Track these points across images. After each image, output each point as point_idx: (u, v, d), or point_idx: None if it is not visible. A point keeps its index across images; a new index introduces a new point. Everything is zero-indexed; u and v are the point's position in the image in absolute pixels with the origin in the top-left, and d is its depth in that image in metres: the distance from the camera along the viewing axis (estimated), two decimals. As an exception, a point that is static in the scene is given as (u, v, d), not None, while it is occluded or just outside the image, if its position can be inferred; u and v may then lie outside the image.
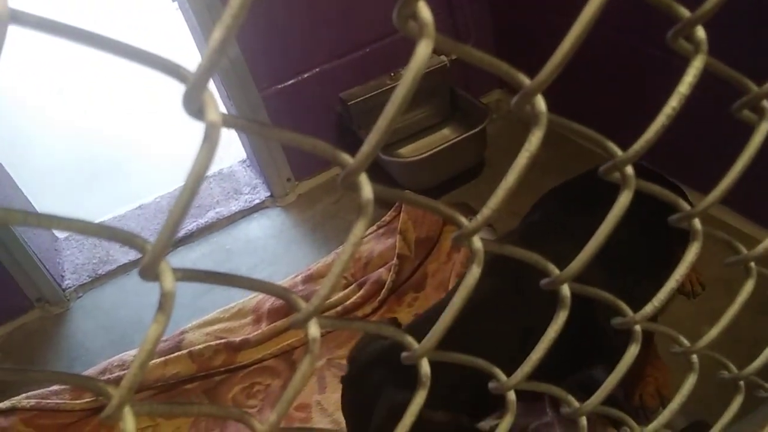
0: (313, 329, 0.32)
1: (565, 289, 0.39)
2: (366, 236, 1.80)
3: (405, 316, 1.58)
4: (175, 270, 0.30)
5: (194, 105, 0.27)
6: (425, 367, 0.37)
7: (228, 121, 0.28)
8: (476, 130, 2.05)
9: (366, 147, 0.29)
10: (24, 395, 1.55)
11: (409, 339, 0.37)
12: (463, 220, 0.35)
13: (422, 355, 0.37)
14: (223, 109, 1.87)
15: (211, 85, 0.27)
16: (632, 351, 0.43)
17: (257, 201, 2.34)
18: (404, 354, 0.37)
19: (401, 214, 1.79)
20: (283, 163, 2.29)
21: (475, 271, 0.35)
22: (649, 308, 0.41)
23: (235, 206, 2.34)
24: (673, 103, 0.33)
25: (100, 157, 2.96)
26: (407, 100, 0.28)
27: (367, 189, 0.30)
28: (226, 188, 2.45)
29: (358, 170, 0.30)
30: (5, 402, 1.53)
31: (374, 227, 1.83)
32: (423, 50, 0.28)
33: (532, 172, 0.33)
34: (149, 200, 2.50)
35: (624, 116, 1.59)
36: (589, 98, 2.07)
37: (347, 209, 2.20)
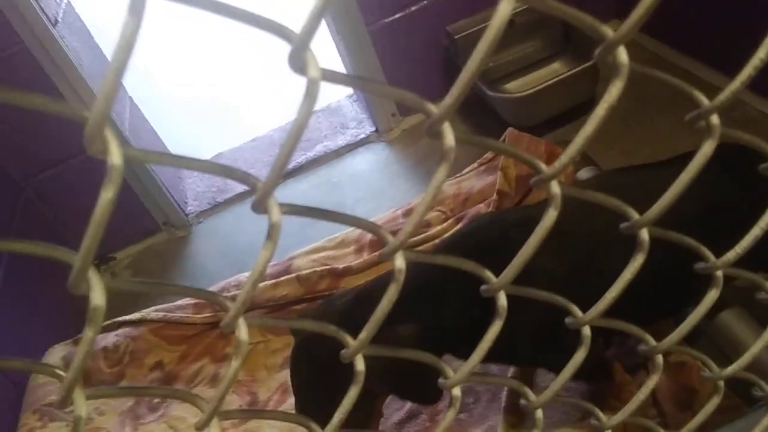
0: (399, 261, 0.36)
1: (644, 234, 0.40)
2: (467, 173, 1.81)
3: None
4: (281, 205, 0.35)
5: (298, 62, 0.30)
6: (503, 299, 0.41)
7: (327, 76, 0.32)
8: (588, 64, 1.97)
9: (449, 99, 0.32)
10: (152, 308, 1.73)
11: (488, 273, 0.40)
12: (542, 165, 0.37)
13: (500, 288, 0.40)
14: (329, 57, 1.90)
15: (320, 29, 0.30)
16: (712, 295, 0.43)
17: (363, 135, 2.40)
18: (483, 287, 0.40)
19: (504, 151, 1.78)
20: (389, 102, 2.32)
21: (551, 214, 0.37)
22: (731, 254, 0.42)
23: (341, 140, 2.41)
24: (761, 54, 0.32)
25: (218, 97, 3.12)
26: (489, 54, 0.31)
27: (449, 137, 0.33)
28: (334, 123, 2.52)
29: (442, 120, 0.33)
30: (135, 314, 1.72)
31: (476, 164, 1.83)
32: (505, 5, 0.30)
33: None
34: (263, 133, 2.63)
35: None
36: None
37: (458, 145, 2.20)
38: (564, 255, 0.99)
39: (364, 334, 0.39)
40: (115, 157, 0.30)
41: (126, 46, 0.27)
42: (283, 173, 0.32)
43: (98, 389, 0.40)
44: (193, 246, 2.30)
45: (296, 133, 0.31)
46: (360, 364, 0.42)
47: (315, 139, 2.46)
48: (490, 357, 0.43)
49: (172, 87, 3.28)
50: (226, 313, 0.38)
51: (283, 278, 1.68)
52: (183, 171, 2.57)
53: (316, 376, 1.00)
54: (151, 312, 1.72)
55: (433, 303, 1.00)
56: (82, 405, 0.38)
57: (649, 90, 1.97)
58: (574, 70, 1.98)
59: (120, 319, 1.72)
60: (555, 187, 0.36)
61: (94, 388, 0.42)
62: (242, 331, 0.38)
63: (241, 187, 2.38)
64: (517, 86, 2.26)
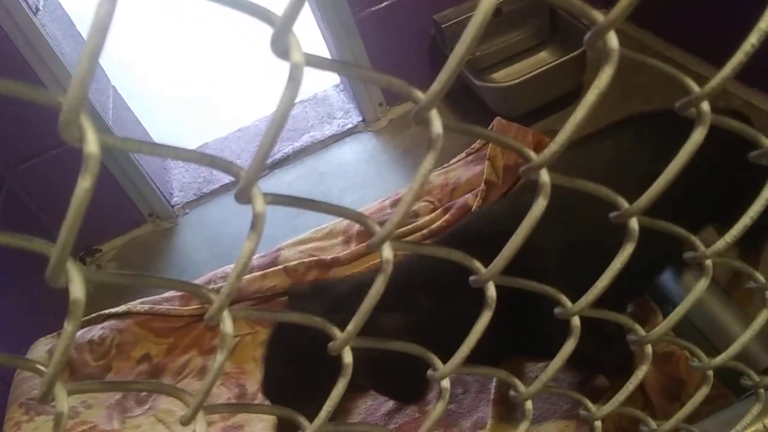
0: (387, 252, 0.36)
1: (634, 223, 0.40)
2: (454, 163, 1.81)
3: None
4: (265, 195, 0.34)
5: (281, 46, 0.29)
6: (491, 290, 0.40)
7: (311, 61, 0.31)
8: (575, 53, 1.97)
9: (436, 85, 0.31)
10: (138, 301, 1.71)
11: (477, 264, 0.39)
12: (531, 153, 0.36)
13: (488, 279, 0.39)
14: (315, 46, 1.88)
15: (304, 15, 0.30)
16: (701, 285, 0.43)
17: (349, 125, 2.39)
18: (472, 278, 0.40)
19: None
20: (375, 89, 2.31)
21: (541, 204, 0.36)
22: (720, 243, 0.41)
23: (328, 130, 2.40)
24: (752, 39, 0.32)
25: (202, 87, 3.08)
26: (476, 40, 0.30)
27: (437, 124, 0.32)
28: (320, 112, 2.50)
29: (429, 106, 0.32)
30: (121, 306, 1.70)
31: (463, 154, 1.83)
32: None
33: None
34: (248, 123, 2.60)
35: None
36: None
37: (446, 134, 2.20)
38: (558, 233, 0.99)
39: (351, 326, 0.39)
40: (92, 145, 0.29)
41: (100, 28, 0.26)
42: (267, 162, 0.31)
43: (80, 384, 0.39)
44: (180, 237, 2.28)
45: (280, 119, 0.30)
46: (348, 357, 0.41)
47: (301, 129, 2.45)
48: (481, 352, 0.43)
49: (155, 78, 3.24)
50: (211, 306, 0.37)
51: (270, 269, 1.67)
52: (168, 162, 2.55)
53: (294, 365, 0.98)
54: (137, 304, 1.71)
55: (423, 295, 1.00)
56: (63, 400, 0.37)
57: (636, 80, 1.97)
58: (561, 60, 1.98)
59: (106, 312, 1.70)
60: (545, 176, 0.36)
61: (76, 383, 0.41)
62: (227, 324, 0.37)
63: (227, 178, 2.36)
64: (504, 75, 2.25)
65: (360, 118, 2.39)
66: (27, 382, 1.59)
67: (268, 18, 0.29)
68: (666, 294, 1.29)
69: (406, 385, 0.98)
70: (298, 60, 0.29)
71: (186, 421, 0.40)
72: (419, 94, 0.33)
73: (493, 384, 1.28)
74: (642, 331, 0.47)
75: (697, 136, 0.35)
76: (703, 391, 0.50)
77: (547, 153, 0.35)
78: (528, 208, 0.36)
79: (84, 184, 0.29)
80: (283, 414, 0.45)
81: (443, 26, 2.14)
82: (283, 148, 2.37)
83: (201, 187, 2.37)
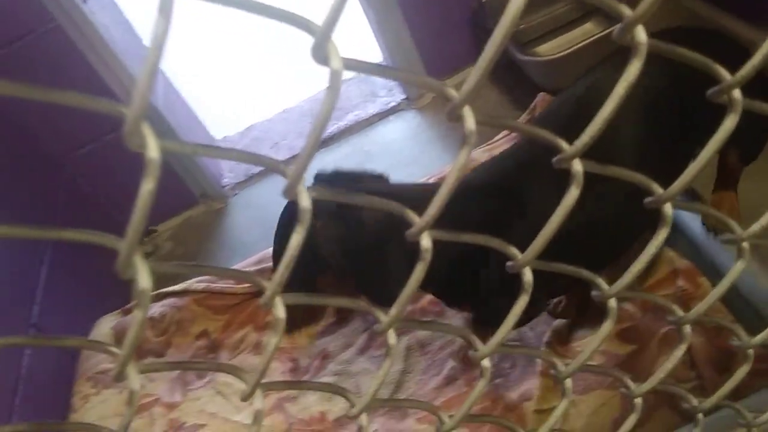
0: (425, 241, 0.38)
1: (577, 165, 0.39)
2: (498, 140, 1.80)
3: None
4: (309, 189, 0.36)
5: (321, 54, 0.32)
6: (528, 275, 0.42)
7: (349, 65, 0.33)
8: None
9: (469, 84, 0.33)
10: (195, 279, 1.78)
11: (513, 249, 0.41)
12: (564, 144, 0.38)
13: (524, 264, 0.41)
14: (357, 22, 1.88)
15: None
16: (738, 266, 0.44)
17: (393, 103, 2.40)
18: (508, 263, 0.41)
19: (536, 113, 1.76)
20: (418, 65, 2.31)
21: (573, 193, 0.38)
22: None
23: (372, 109, 2.42)
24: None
25: (248, 69, 3.13)
26: (508, 36, 0.31)
27: (470, 121, 0.34)
28: (364, 91, 2.52)
29: (462, 104, 0.33)
30: (179, 285, 1.78)
31: (505, 131, 1.82)
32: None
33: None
34: (293, 104, 2.64)
35: None
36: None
37: (483, 109, 2.19)
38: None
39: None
40: (153, 151, 0.32)
41: (158, 46, 0.28)
42: (308, 165, 0.33)
43: (150, 364, 0.42)
44: (230, 217, 2.35)
45: (322, 123, 0.32)
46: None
47: (345, 108, 2.47)
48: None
49: (202, 61, 3.31)
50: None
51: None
52: (217, 143, 2.61)
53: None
54: (194, 283, 1.78)
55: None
56: (135, 379, 0.41)
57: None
58: (607, 30, 1.94)
59: (165, 290, 1.78)
60: (577, 166, 0.37)
61: (147, 363, 0.44)
62: (279, 310, 0.40)
63: (275, 158, 2.41)
64: (549, 48, 2.21)
65: (403, 96, 2.40)
66: (94, 357, 1.68)
67: (309, 28, 0.32)
68: (719, 271, 1.27)
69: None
70: (337, 67, 0.31)
71: (245, 398, 0.44)
72: (452, 92, 0.35)
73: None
74: (680, 312, 0.48)
75: (729, 123, 0.36)
76: (744, 369, 0.51)
77: (579, 144, 0.36)
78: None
79: (147, 186, 0.32)
80: (333, 390, 0.48)
81: (484, 0, 2.11)
82: (328, 128, 2.40)
83: (250, 168, 2.43)
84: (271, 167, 0.36)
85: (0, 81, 0.30)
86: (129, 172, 2.17)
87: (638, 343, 1.26)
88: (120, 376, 0.39)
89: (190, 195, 2.37)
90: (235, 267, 1.86)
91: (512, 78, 2.16)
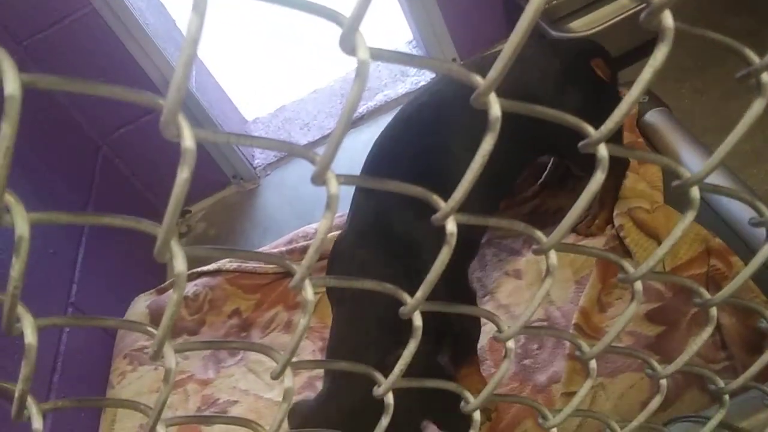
0: (450, 225, 0.39)
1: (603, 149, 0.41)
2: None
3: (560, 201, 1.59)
4: (338, 176, 0.37)
5: (348, 45, 0.32)
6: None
7: (376, 54, 0.33)
8: (657, -2, 1.87)
9: (493, 73, 0.33)
10: (227, 259, 1.82)
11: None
12: (590, 128, 0.38)
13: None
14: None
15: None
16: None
17: (423, 82, 2.38)
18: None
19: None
20: (447, 43, 2.29)
21: (599, 177, 0.38)
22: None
23: (402, 88, 2.41)
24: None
25: (278, 48, 3.14)
26: (522, 43, 0.32)
27: (495, 107, 0.34)
28: (393, 70, 2.51)
29: (487, 92, 0.34)
30: (212, 264, 1.82)
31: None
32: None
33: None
34: (324, 85, 2.65)
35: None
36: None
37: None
38: None
39: (420, 293, 0.42)
40: (188, 141, 0.33)
41: (192, 42, 0.30)
42: (337, 151, 0.34)
43: (185, 344, 0.44)
44: (262, 198, 2.38)
45: (350, 111, 0.33)
46: (418, 320, 0.45)
47: (375, 88, 2.47)
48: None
49: (233, 42, 3.33)
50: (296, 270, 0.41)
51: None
52: (249, 124, 2.64)
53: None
54: (226, 263, 1.81)
55: None
56: (171, 357, 0.43)
57: (724, 25, 1.87)
58: (640, 6, 1.89)
59: (198, 269, 1.82)
60: (603, 151, 0.37)
61: (182, 343, 0.46)
62: (308, 292, 0.41)
63: (305, 139, 2.43)
64: (582, 24, 2.17)
65: (434, 75, 2.38)
66: (130, 335, 1.73)
67: (337, 19, 0.32)
68: (752, 249, 1.26)
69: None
70: (364, 57, 0.32)
71: (276, 376, 0.45)
72: (478, 79, 0.35)
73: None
74: (706, 294, 0.48)
75: (757, 107, 0.36)
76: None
77: (604, 129, 0.36)
78: None
79: (183, 175, 0.33)
80: (359, 369, 0.50)
81: (516, -24, 2.08)
82: (358, 108, 2.40)
83: (280, 149, 2.45)
84: (300, 155, 0.37)
85: (47, 76, 0.31)
86: (164, 155, 2.22)
87: (667, 324, 1.25)
88: (157, 355, 0.41)
89: (222, 176, 2.40)
90: (267, 247, 1.89)
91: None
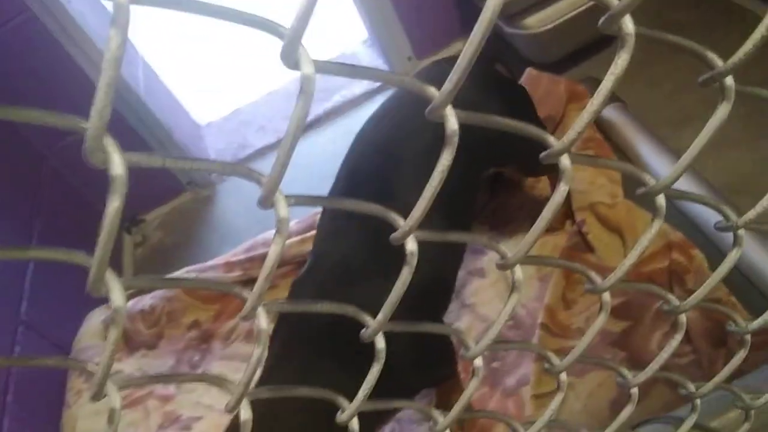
0: (411, 245, 0.36)
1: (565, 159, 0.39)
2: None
3: (520, 198, 1.59)
4: (287, 197, 0.35)
5: (291, 59, 0.30)
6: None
7: (321, 68, 0.31)
8: (608, -7, 1.89)
9: (448, 85, 0.31)
10: (185, 269, 1.77)
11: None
12: (551, 139, 0.36)
13: (515, 263, 0.40)
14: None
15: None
16: (734, 255, 0.42)
17: (379, 83, 2.36)
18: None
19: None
20: (403, 41, 2.27)
21: (563, 189, 0.36)
22: (751, 213, 0.40)
23: (358, 88, 2.38)
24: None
25: (231, 51, 3.07)
26: (482, 44, 0.30)
27: (452, 121, 0.32)
28: (349, 70, 2.48)
29: (443, 105, 0.32)
30: (169, 275, 1.76)
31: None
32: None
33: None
34: (279, 86, 2.60)
35: None
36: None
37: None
38: None
39: (381, 316, 0.40)
40: (118, 167, 0.30)
41: (113, 61, 0.27)
42: (284, 172, 0.32)
43: (129, 380, 0.41)
44: (219, 204, 2.32)
45: (295, 131, 0.30)
46: (381, 342, 0.42)
47: (331, 89, 2.43)
48: None
49: (183, 47, 3.25)
50: (256, 278, 0.38)
51: (309, 234, 1.70)
52: (202, 129, 2.58)
53: None
54: (183, 273, 1.76)
55: None
56: (116, 397, 0.39)
57: (675, 16, 1.89)
58: (593, 1, 1.90)
59: (154, 281, 1.77)
60: (566, 161, 0.36)
61: (126, 380, 0.43)
62: (262, 320, 0.38)
63: (261, 142, 2.38)
64: (538, 21, 2.17)
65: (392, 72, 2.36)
66: (86, 352, 1.67)
67: (277, 32, 0.30)
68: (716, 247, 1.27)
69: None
70: (309, 72, 0.29)
71: (230, 410, 0.42)
72: (433, 91, 0.33)
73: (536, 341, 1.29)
74: (675, 301, 0.47)
75: (722, 112, 0.35)
76: (740, 356, 0.50)
77: (566, 140, 0.35)
78: None
79: (114, 204, 0.30)
80: (323, 395, 0.47)
81: (469, -28, 2.07)
82: (314, 110, 2.37)
83: (236, 153, 2.40)
84: (244, 176, 0.35)
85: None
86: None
87: (632, 320, 1.25)
88: (98, 396, 0.38)
89: (176, 183, 2.34)
90: (227, 255, 1.84)
91: (501, 52, 2.13)
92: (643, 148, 1.38)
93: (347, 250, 1.07)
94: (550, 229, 1.46)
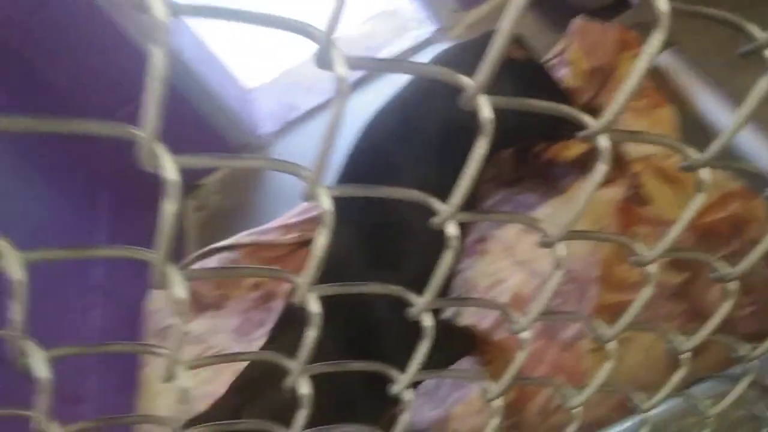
0: (451, 228, 0.37)
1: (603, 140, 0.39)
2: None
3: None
4: (330, 188, 0.36)
5: (325, 61, 0.31)
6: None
7: (355, 64, 0.32)
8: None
9: (481, 75, 0.31)
10: (244, 233, 1.82)
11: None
12: (590, 120, 0.36)
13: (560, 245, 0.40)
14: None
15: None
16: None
17: (425, 36, 2.33)
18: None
19: (572, 43, 1.68)
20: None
21: (601, 169, 0.36)
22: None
23: (403, 44, 2.35)
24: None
25: (280, 9, 3.07)
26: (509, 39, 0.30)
27: (486, 110, 0.33)
28: (393, 26, 2.45)
29: (477, 92, 0.32)
30: (228, 240, 1.82)
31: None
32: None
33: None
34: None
35: None
36: None
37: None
38: None
39: (429, 296, 0.41)
40: (170, 172, 0.32)
41: (158, 80, 0.28)
42: (325, 170, 0.33)
43: (195, 360, 0.44)
44: (273, 166, 2.37)
45: (331, 132, 0.31)
46: (428, 320, 0.44)
47: (376, 46, 2.41)
48: None
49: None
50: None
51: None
52: (253, 93, 2.61)
53: None
54: (242, 237, 1.82)
55: None
56: (186, 378, 0.42)
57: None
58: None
59: (215, 246, 1.83)
60: (604, 141, 0.36)
61: (193, 360, 0.46)
62: (312, 305, 0.40)
63: (310, 103, 2.39)
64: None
65: (435, 27, 2.32)
66: (158, 314, 1.76)
67: (311, 34, 0.31)
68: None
69: None
70: (343, 73, 0.30)
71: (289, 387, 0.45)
72: (466, 80, 0.33)
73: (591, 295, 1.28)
74: (725, 268, 0.47)
75: (764, 84, 0.34)
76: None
77: (604, 120, 0.35)
78: None
79: (170, 208, 0.32)
80: (374, 368, 0.50)
81: None
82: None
83: (286, 115, 2.42)
84: (290, 172, 0.36)
85: (7, 118, 0.30)
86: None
87: (691, 271, 1.23)
88: (169, 377, 0.41)
89: (232, 147, 2.39)
90: (283, 218, 1.88)
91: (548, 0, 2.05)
92: (701, 95, 1.32)
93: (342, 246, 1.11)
94: (604, 182, 1.42)
